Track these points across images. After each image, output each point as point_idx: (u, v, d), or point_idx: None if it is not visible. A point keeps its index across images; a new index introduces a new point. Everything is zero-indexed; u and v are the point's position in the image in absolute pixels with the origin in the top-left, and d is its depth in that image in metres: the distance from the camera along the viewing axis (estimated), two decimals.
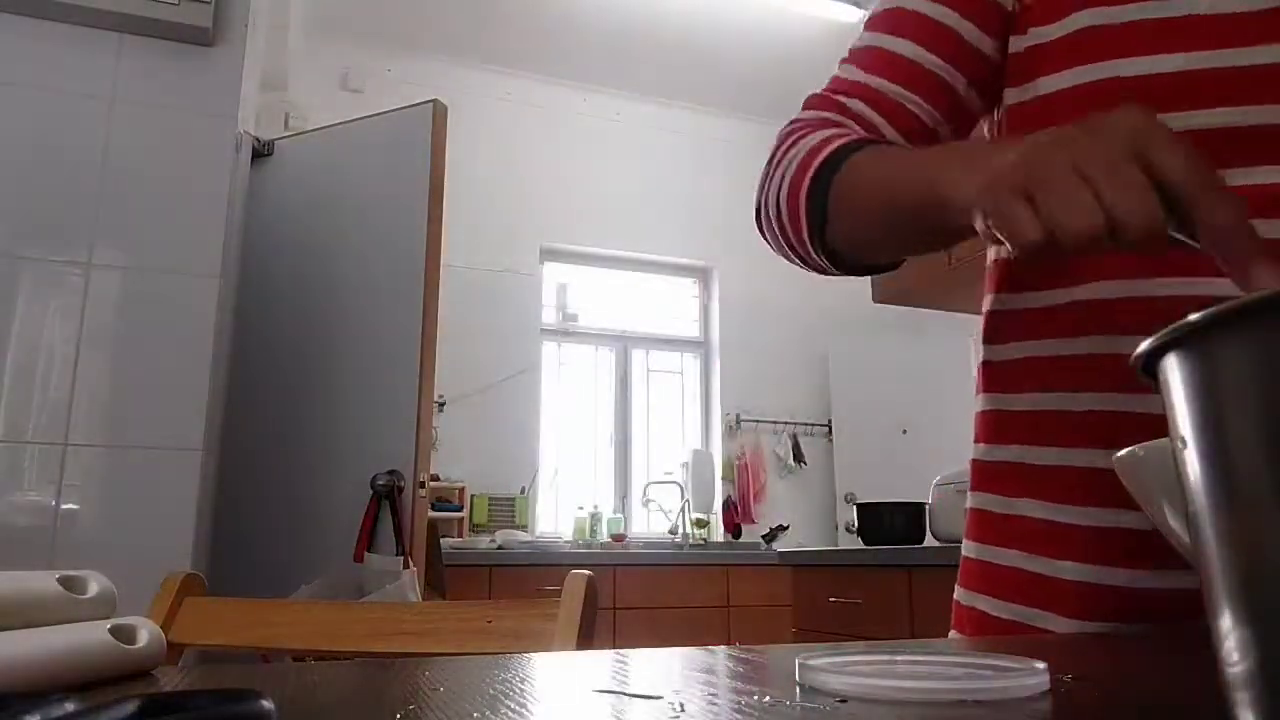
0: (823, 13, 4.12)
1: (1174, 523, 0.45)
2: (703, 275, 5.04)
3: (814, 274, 0.79)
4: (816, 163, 0.67)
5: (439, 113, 2.40)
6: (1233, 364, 0.21)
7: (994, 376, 0.74)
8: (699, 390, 4.97)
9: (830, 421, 4.79)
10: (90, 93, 1.80)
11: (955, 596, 0.76)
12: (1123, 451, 0.47)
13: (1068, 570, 0.64)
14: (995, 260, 0.76)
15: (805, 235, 0.69)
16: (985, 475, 0.73)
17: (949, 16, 0.73)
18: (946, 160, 0.57)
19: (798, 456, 4.81)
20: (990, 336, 0.75)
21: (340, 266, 2.39)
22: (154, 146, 1.83)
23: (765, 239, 0.78)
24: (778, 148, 0.75)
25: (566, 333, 4.75)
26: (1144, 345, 0.23)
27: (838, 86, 0.77)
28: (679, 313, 5.03)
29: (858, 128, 0.73)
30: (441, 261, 2.31)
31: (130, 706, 0.23)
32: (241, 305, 2.25)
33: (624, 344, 4.86)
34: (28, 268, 1.72)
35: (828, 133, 0.70)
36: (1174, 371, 0.23)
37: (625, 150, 4.86)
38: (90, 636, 0.40)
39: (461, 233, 4.07)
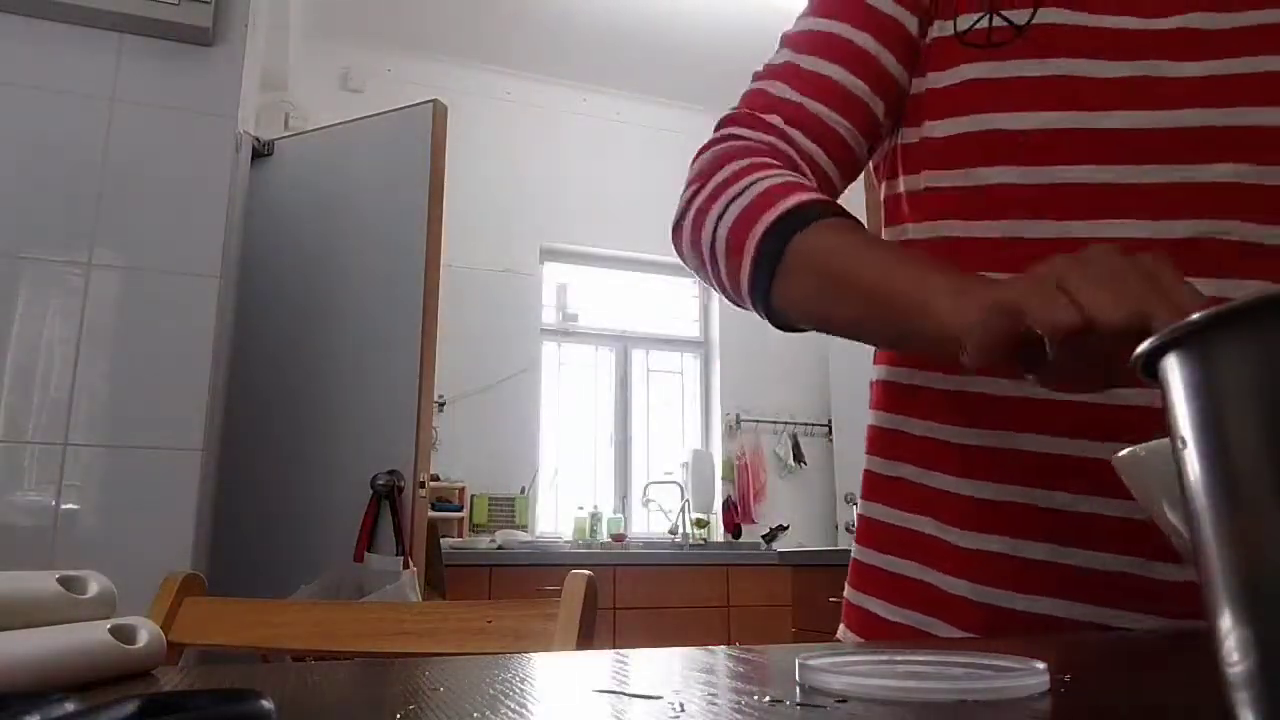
0: None
1: (1175, 522, 0.46)
2: None
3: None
4: (777, 213, 0.64)
5: (439, 113, 2.40)
6: (1233, 364, 0.21)
7: (891, 396, 0.78)
8: (699, 390, 4.97)
9: (830, 421, 4.79)
10: (90, 93, 1.80)
11: (845, 595, 0.79)
12: (1123, 451, 0.47)
13: (961, 587, 0.67)
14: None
15: (744, 279, 0.66)
16: (879, 488, 0.77)
17: (870, 44, 0.74)
18: (937, 279, 0.56)
19: (798, 456, 4.81)
20: (886, 358, 0.80)
21: (340, 266, 2.39)
22: (154, 146, 1.83)
23: (681, 250, 0.75)
24: (711, 164, 0.72)
25: (566, 333, 4.75)
26: (1144, 345, 0.23)
27: (771, 105, 0.75)
28: (679, 313, 5.03)
29: (795, 155, 0.72)
30: (441, 261, 2.31)
31: (130, 706, 0.23)
32: (241, 305, 2.25)
33: (624, 344, 4.86)
34: (28, 268, 1.72)
35: (786, 176, 0.67)
36: (1174, 371, 0.23)
37: (625, 150, 4.86)
38: (90, 636, 0.40)
39: (461, 233, 4.07)
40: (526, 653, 0.53)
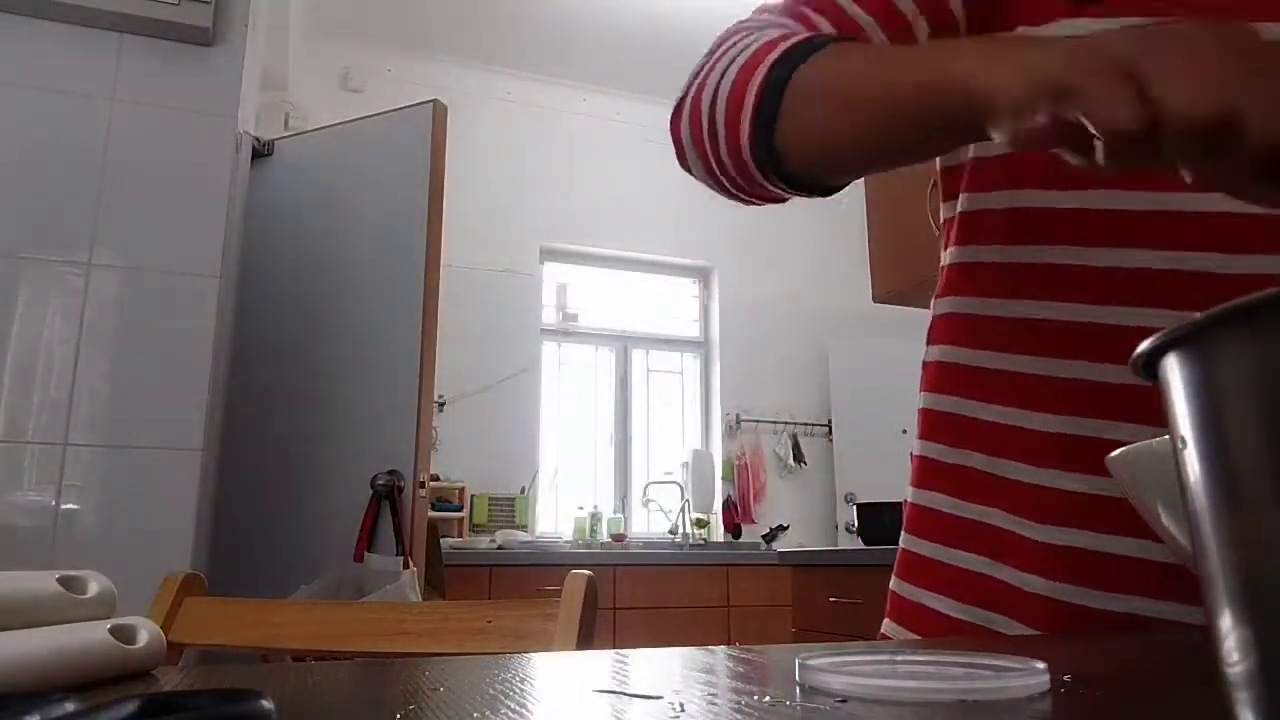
0: None
1: (1168, 522, 0.46)
2: (703, 275, 5.04)
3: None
4: (776, 54, 0.57)
5: (439, 113, 2.40)
6: (1233, 364, 0.21)
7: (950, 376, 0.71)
8: (699, 390, 4.97)
9: (830, 421, 4.79)
10: (90, 93, 1.80)
11: (892, 588, 0.74)
12: (1117, 451, 0.47)
13: (1035, 584, 0.63)
14: (954, 265, 0.73)
15: (745, 138, 0.58)
16: (939, 474, 0.71)
17: None
18: (969, 51, 0.48)
19: (798, 456, 4.81)
20: (951, 338, 0.72)
21: (340, 266, 2.39)
22: (154, 147, 1.83)
23: (684, 155, 0.68)
24: (717, 46, 0.65)
25: (566, 333, 4.75)
26: (1144, 345, 0.23)
27: (791, 7, 0.66)
28: (679, 313, 5.03)
29: (822, 21, 0.64)
30: (441, 261, 2.31)
31: (130, 706, 0.23)
32: (241, 305, 2.25)
33: (624, 344, 4.86)
34: (28, 268, 1.72)
35: (790, 28, 0.61)
36: (1174, 371, 0.23)
37: (625, 150, 4.86)
38: (90, 636, 0.40)
39: (461, 233, 4.07)
40: (526, 653, 0.53)
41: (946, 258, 0.75)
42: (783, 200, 0.65)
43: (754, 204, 0.68)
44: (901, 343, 4.64)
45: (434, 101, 2.41)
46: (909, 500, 0.74)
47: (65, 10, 1.78)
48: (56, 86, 1.79)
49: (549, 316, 4.70)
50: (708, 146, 0.63)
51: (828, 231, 4.95)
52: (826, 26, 0.63)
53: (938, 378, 0.73)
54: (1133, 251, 0.61)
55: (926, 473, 0.72)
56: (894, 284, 2.92)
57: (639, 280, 4.92)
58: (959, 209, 0.73)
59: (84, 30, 1.81)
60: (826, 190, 0.62)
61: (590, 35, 4.39)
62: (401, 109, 2.46)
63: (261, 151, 2.47)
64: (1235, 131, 0.36)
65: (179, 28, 1.84)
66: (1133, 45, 0.39)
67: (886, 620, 0.75)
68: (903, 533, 0.75)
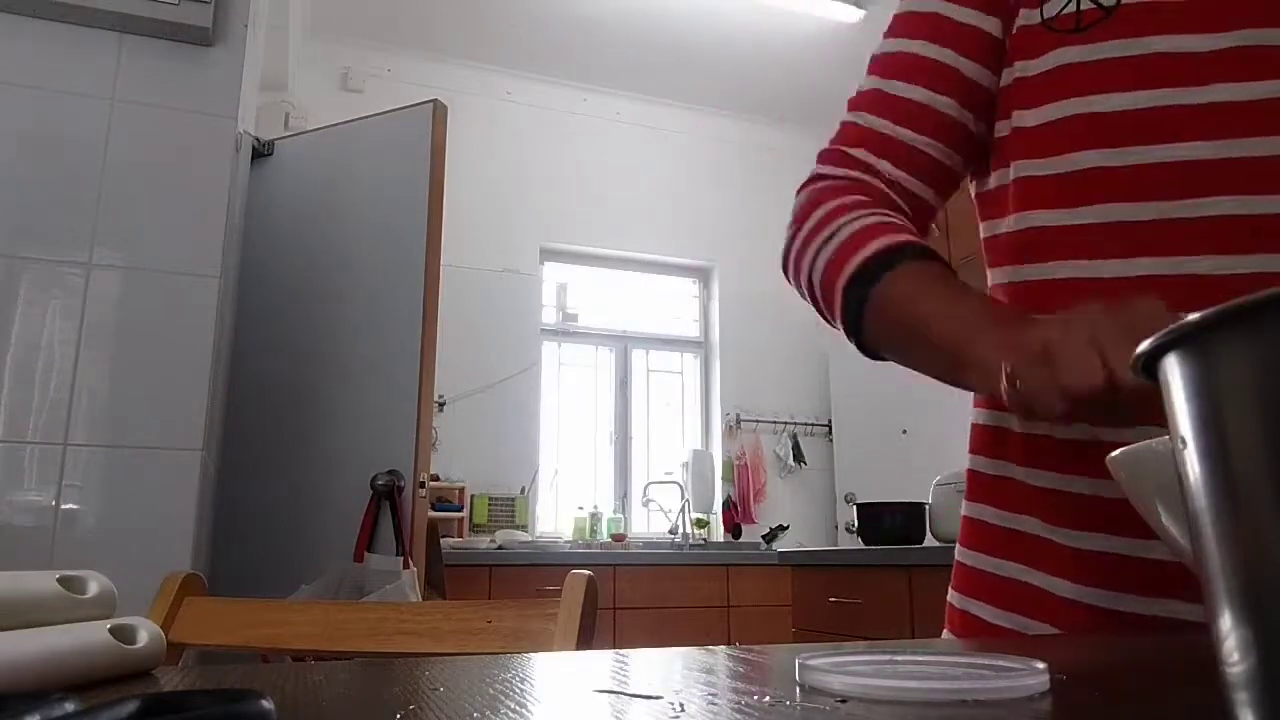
0: (822, 13, 4.12)
1: (1167, 523, 0.46)
2: (703, 275, 5.04)
3: None
4: (854, 266, 0.69)
5: (439, 113, 2.40)
6: (1233, 364, 0.21)
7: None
8: (699, 390, 4.97)
9: (830, 421, 4.79)
10: (90, 93, 1.80)
11: (949, 599, 0.78)
12: (1117, 451, 0.47)
13: (1065, 588, 0.66)
14: (1001, 284, 0.78)
15: (838, 314, 0.73)
16: (984, 487, 0.75)
17: (950, 57, 0.75)
18: (976, 324, 0.61)
19: (798, 456, 4.81)
20: None
21: (340, 266, 2.39)
22: (154, 146, 1.83)
23: (790, 282, 0.81)
24: (806, 207, 0.77)
25: (566, 333, 4.75)
26: (1144, 345, 0.23)
27: (857, 138, 0.79)
28: (679, 313, 5.03)
29: (885, 188, 0.76)
30: (441, 261, 2.31)
31: (130, 706, 0.23)
32: (241, 305, 2.25)
33: (624, 344, 4.86)
34: (28, 268, 1.72)
35: (874, 216, 0.72)
36: (1174, 371, 0.23)
37: (625, 150, 4.86)
38: (90, 636, 0.40)
39: (461, 233, 4.07)
40: (526, 653, 0.53)
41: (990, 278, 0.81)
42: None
43: None
44: None
45: (434, 101, 2.41)
46: (962, 514, 0.79)
47: (65, 10, 1.78)
48: (56, 86, 1.79)
49: (549, 316, 4.70)
50: (819, 311, 0.78)
51: None
52: (889, 169, 0.77)
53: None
54: (1139, 260, 0.65)
55: (973, 486, 0.77)
56: (803, 293, 2.91)
57: (639, 280, 4.92)
58: (982, 234, 0.80)
59: (84, 30, 1.81)
60: None
61: (590, 35, 4.39)
62: (401, 109, 2.46)
63: (261, 151, 2.47)
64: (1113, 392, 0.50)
65: (179, 28, 1.84)
66: (1098, 324, 0.51)
67: (945, 630, 0.79)
68: (957, 545, 0.79)
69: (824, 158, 0.80)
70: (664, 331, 4.96)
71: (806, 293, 0.77)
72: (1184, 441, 0.22)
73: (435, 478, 3.85)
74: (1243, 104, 0.63)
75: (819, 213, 0.75)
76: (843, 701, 0.31)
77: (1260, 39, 0.64)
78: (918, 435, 4.44)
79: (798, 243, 0.77)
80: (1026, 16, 0.73)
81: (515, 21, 4.28)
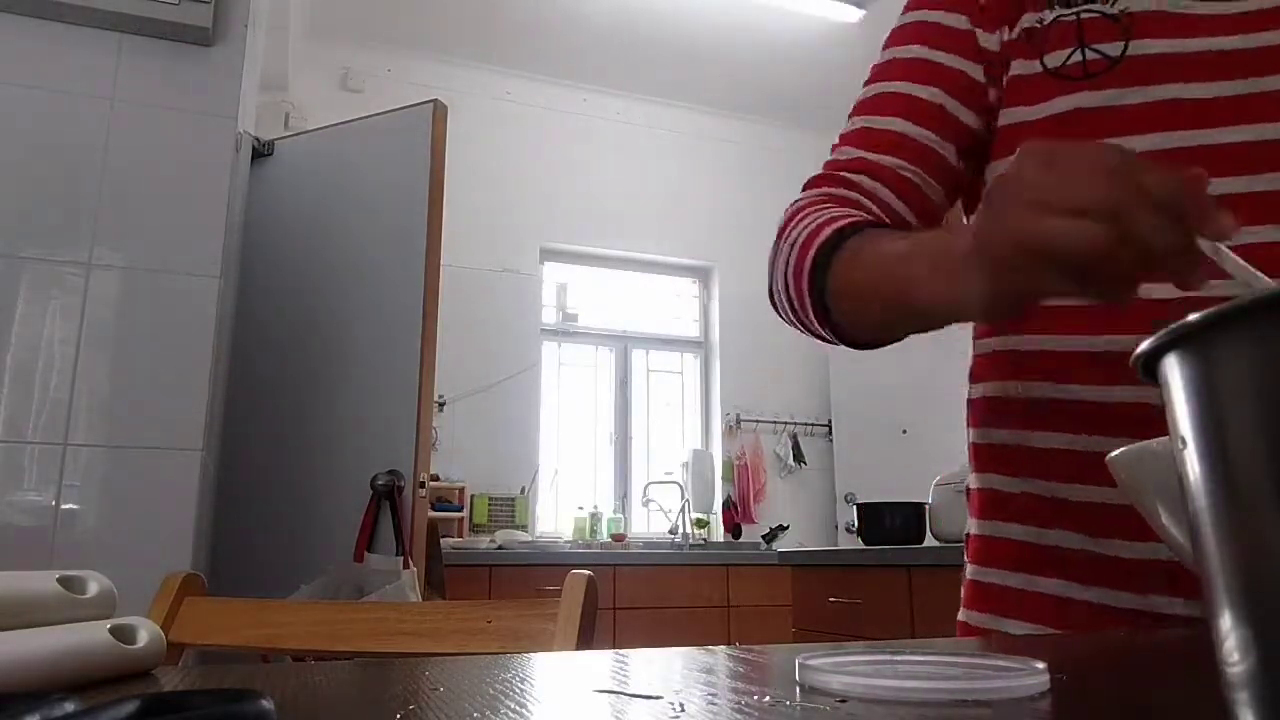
0: (822, 12, 4.12)
1: (1168, 522, 0.46)
2: (703, 275, 5.04)
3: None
4: (815, 245, 0.69)
5: (439, 113, 2.40)
6: (1233, 364, 0.21)
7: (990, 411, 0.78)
8: (699, 390, 4.97)
9: (830, 421, 4.79)
10: (90, 93, 1.80)
11: (961, 619, 0.78)
12: (1117, 451, 0.47)
13: (1100, 595, 0.67)
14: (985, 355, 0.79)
15: (811, 314, 0.71)
16: (1002, 503, 0.75)
17: (932, 93, 0.78)
18: (913, 262, 0.59)
19: (798, 456, 4.81)
20: (991, 375, 0.78)
21: (340, 266, 2.39)
22: (154, 146, 1.83)
23: (779, 315, 0.81)
24: (784, 226, 0.78)
25: (566, 333, 4.75)
26: (1144, 345, 0.23)
27: (835, 166, 0.81)
28: (679, 313, 5.03)
29: (859, 195, 0.77)
30: (441, 261, 2.31)
31: (130, 706, 0.23)
32: (241, 305, 2.25)
33: (624, 344, 4.86)
34: (28, 268, 1.72)
35: (828, 212, 0.72)
36: (1174, 371, 0.23)
37: (625, 150, 4.86)
38: (90, 636, 0.40)
39: (461, 233, 4.07)
40: (526, 653, 0.53)
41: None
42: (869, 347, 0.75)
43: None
44: (902, 343, 4.65)
45: (434, 101, 2.41)
46: (972, 533, 0.79)
47: (65, 10, 1.78)
48: (56, 86, 1.79)
49: (549, 316, 4.70)
50: (793, 319, 0.77)
51: None
52: (866, 181, 0.77)
53: (986, 412, 0.78)
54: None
55: (990, 504, 0.77)
56: (775, 303, 2.91)
57: (639, 280, 4.92)
58: None
59: (84, 30, 1.81)
60: (893, 340, 0.71)
61: (590, 35, 4.39)
62: (401, 109, 2.46)
63: (261, 151, 2.47)
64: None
65: (179, 28, 1.84)
66: (1038, 181, 0.45)
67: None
68: (968, 564, 0.78)
69: (812, 181, 0.82)
70: (664, 331, 4.96)
71: (786, 306, 0.76)
72: (1184, 441, 0.22)
73: (435, 478, 3.85)
74: (1251, 144, 0.66)
75: (788, 225, 0.76)
76: (843, 701, 0.31)
77: (1260, 86, 0.67)
78: (918, 435, 4.44)
79: (770, 265, 0.78)
80: (1023, 66, 0.74)
81: (515, 21, 4.28)
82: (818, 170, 0.83)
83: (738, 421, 4.78)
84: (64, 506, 1.66)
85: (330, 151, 2.50)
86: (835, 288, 0.67)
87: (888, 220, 0.75)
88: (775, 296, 0.78)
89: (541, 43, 4.45)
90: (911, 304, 0.58)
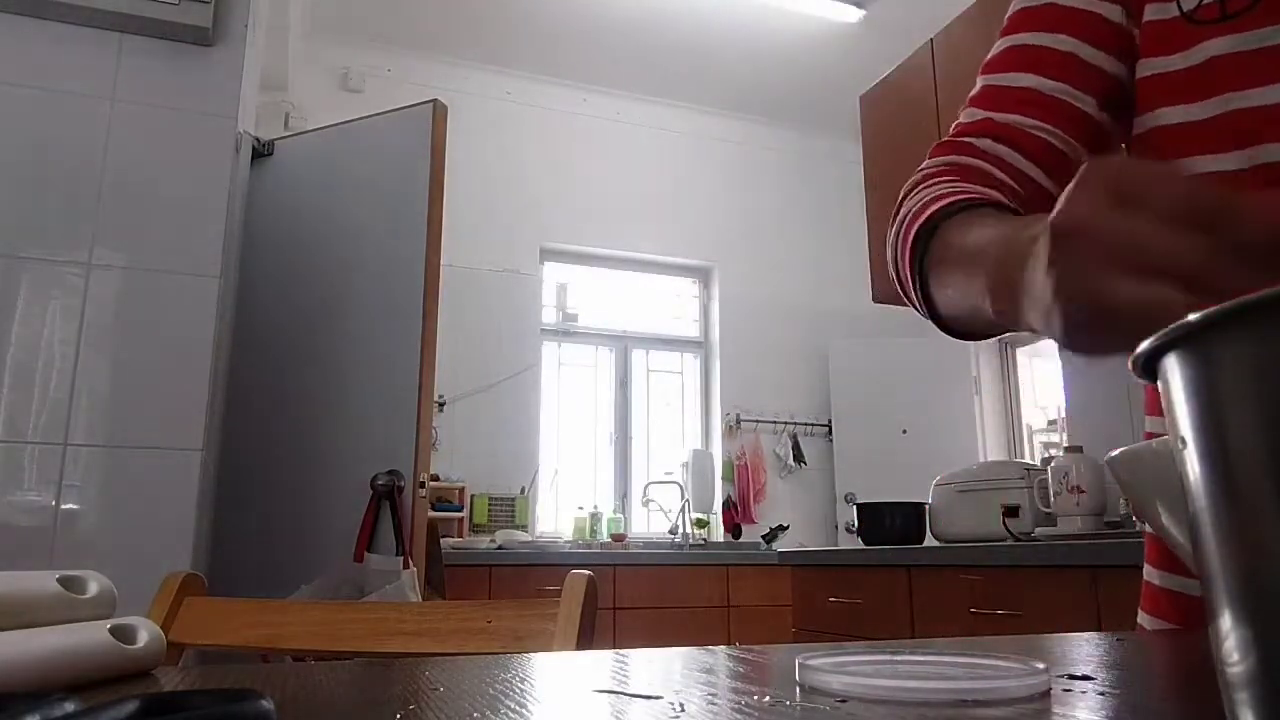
0: (822, 13, 4.12)
1: (1168, 522, 0.45)
2: (703, 275, 5.04)
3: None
4: (915, 228, 0.66)
5: (439, 113, 2.40)
6: (1233, 364, 0.21)
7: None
8: (699, 390, 4.97)
9: (830, 421, 4.79)
10: (90, 93, 1.80)
11: (1146, 577, 0.75)
12: (1117, 451, 0.47)
13: None
14: None
15: (916, 297, 0.68)
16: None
17: (1063, 42, 0.72)
18: (985, 262, 0.54)
19: (798, 456, 4.80)
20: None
21: (340, 266, 2.39)
22: (154, 146, 1.83)
23: (898, 286, 0.78)
24: (901, 200, 0.74)
25: (566, 333, 4.75)
26: (1144, 345, 0.23)
27: (961, 130, 0.76)
28: (679, 313, 5.03)
29: (983, 163, 0.72)
30: (442, 262, 2.31)
31: (130, 706, 0.23)
32: (241, 305, 2.25)
33: (624, 344, 4.86)
34: (28, 268, 1.72)
35: (938, 187, 0.68)
36: (1174, 371, 0.23)
37: (625, 150, 4.86)
38: (90, 636, 0.40)
39: (461, 233, 4.07)
40: (526, 653, 0.53)
41: None
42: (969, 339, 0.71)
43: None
44: (901, 343, 4.66)
45: (434, 101, 2.41)
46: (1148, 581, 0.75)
47: (65, 10, 1.78)
48: (56, 86, 1.79)
49: (549, 316, 4.70)
50: (904, 297, 0.72)
51: (828, 231, 4.95)
52: (989, 144, 0.72)
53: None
54: None
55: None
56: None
57: (639, 280, 4.92)
58: None
59: (84, 30, 1.81)
60: (990, 334, 0.67)
61: (589, 35, 4.39)
62: (401, 109, 2.46)
63: (261, 151, 2.47)
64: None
65: (179, 28, 1.84)
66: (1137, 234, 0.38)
67: (1141, 612, 0.75)
68: (1146, 566, 0.75)
69: (934, 150, 0.77)
70: (664, 331, 4.96)
71: (895, 276, 0.72)
72: (1184, 441, 0.22)
73: (435, 478, 3.85)
74: None
75: (903, 203, 0.72)
76: (843, 701, 0.31)
77: None
78: (918, 435, 4.44)
79: (890, 233, 0.73)
80: (1158, 10, 0.69)
81: (515, 21, 4.28)
82: (947, 137, 0.77)
83: (738, 421, 4.78)
84: (64, 506, 1.66)
85: (330, 151, 2.50)
86: (933, 274, 0.63)
87: (1018, 187, 0.70)
88: (892, 272, 0.74)
89: (541, 43, 4.45)
90: (985, 313, 0.54)
